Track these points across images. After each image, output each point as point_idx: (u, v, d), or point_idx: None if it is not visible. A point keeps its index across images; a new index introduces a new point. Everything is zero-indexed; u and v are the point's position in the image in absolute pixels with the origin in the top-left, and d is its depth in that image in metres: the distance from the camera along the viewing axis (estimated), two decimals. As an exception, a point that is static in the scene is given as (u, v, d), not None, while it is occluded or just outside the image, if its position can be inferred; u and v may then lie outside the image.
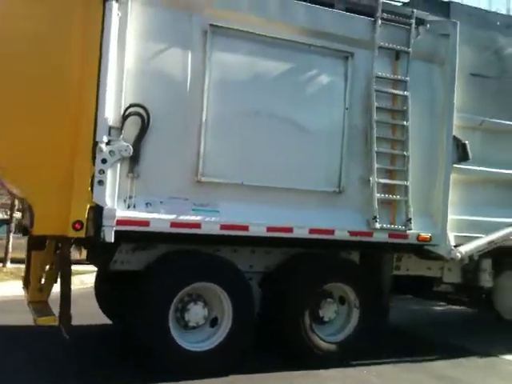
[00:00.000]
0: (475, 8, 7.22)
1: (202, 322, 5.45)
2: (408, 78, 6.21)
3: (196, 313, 5.41)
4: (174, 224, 5.19)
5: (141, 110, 5.08)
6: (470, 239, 6.62)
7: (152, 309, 5.14)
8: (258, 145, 5.61)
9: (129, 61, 5.05)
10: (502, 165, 6.94)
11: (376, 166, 5.99)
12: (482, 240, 6.67)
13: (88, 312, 6.70)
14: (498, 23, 7.17)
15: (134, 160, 5.08)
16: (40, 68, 4.84)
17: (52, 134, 4.87)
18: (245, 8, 5.57)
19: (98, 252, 5.58)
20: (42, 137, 4.85)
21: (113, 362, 5.64)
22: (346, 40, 5.97)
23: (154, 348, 5.11)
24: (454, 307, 9.21)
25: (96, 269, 7.07)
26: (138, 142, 5.09)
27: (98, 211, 4.90)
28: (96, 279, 7.15)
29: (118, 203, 5.00)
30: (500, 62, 7.03)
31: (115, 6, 4.95)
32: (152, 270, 5.36)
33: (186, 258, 5.49)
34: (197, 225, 5.29)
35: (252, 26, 5.55)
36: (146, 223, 5.09)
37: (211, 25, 5.36)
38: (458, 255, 6.46)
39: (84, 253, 6.51)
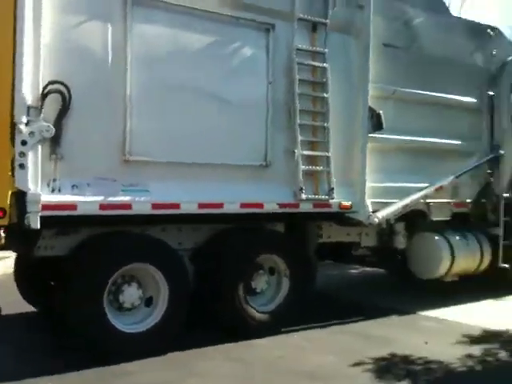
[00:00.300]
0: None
1: (137, 303, 5.38)
2: (326, 50, 6.35)
3: (131, 294, 5.32)
4: (103, 206, 5.01)
5: (61, 88, 4.79)
6: (385, 205, 7.01)
7: (86, 293, 4.98)
8: (185, 120, 5.51)
9: (46, 35, 4.73)
10: (413, 133, 7.35)
11: (300, 138, 6.12)
12: (397, 204, 7.09)
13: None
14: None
15: (56, 141, 4.80)
16: None
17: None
18: (165, -22, 5.37)
19: (20, 238, 5.27)
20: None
21: (47, 350, 5.42)
22: (267, 11, 5.97)
23: (91, 333, 4.98)
24: (369, 269, 9.80)
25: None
26: (59, 122, 4.81)
27: (21, 197, 4.62)
28: (16, 266, 6.75)
29: (42, 187, 4.73)
30: (409, 32, 7.36)
31: (27, -26, 4.58)
32: (82, 254, 5.17)
33: (116, 239, 5.35)
34: (127, 205, 5.15)
35: (173, -4, 5.38)
36: (73, 207, 4.86)
37: (131, -6, 5.13)
38: (376, 220, 6.84)
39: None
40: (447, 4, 8.30)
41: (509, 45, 8.92)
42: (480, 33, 8.32)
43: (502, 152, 8.41)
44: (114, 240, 5.33)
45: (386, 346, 5.67)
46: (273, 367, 5.07)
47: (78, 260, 5.15)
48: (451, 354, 5.48)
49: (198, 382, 4.69)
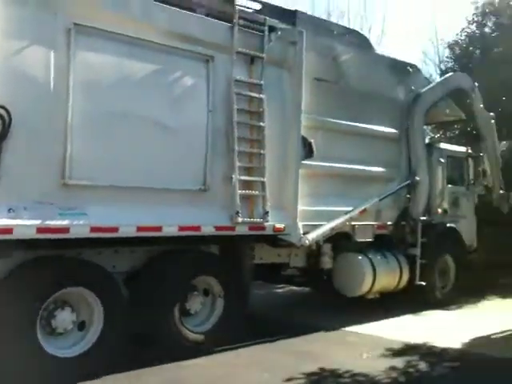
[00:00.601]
0: (317, 17, 7.99)
1: (70, 327, 5.38)
2: (262, 82, 6.70)
3: (63, 319, 5.31)
4: (40, 230, 5.01)
5: (1, 111, 4.79)
6: (315, 227, 7.44)
7: (20, 319, 4.93)
8: (126, 146, 5.64)
9: (-12, 59, 4.72)
10: (340, 160, 7.90)
11: (237, 164, 6.41)
12: (326, 227, 7.56)
13: None
14: (335, 32, 8.02)
15: (-7, 164, 4.79)
16: None
17: None
18: (109, 7, 5.52)
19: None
20: None
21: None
22: (206, 44, 6.25)
23: (23, 359, 4.93)
24: (295, 288, 10.19)
25: None
26: (-3, 145, 4.80)
27: (-43, 221, 4.56)
28: None
29: (-22, 210, 4.69)
30: (338, 68, 7.91)
31: (-30, -1, 4.58)
32: (12, 280, 5.10)
33: (49, 264, 5.35)
34: (65, 229, 5.17)
35: (117, 26, 5.52)
36: (9, 230, 4.83)
37: (75, 23, 5.22)
38: (307, 242, 7.25)
39: None
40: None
41: (424, 80, 9.77)
42: (400, 69, 9.06)
43: (417, 178, 9.13)
44: (43, 266, 5.29)
45: (315, 361, 5.99)
46: (208, 386, 5.26)
47: (7, 286, 5.07)
48: (376, 366, 5.89)
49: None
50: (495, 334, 7.54)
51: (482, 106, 10.29)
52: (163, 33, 5.90)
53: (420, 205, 9.25)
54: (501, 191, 10.62)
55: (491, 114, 10.41)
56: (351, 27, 12.21)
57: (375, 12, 26.57)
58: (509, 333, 7.61)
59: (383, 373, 5.74)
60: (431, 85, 9.75)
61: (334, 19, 19.03)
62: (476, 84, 10.19)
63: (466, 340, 7.10)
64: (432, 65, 22.31)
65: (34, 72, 5.05)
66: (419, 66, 10.10)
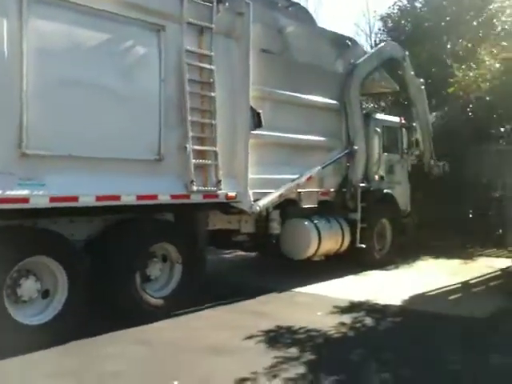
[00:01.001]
0: (263, -11, 8.14)
1: (35, 296, 5.44)
2: (212, 53, 6.85)
3: (29, 287, 5.36)
4: (0, 200, 5.00)
5: (-44, 81, 4.70)
6: (264, 194, 7.75)
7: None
8: (81, 115, 5.65)
9: None
10: (286, 130, 8.21)
11: (191, 134, 6.56)
12: (274, 194, 7.90)
13: None
14: (280, 4, 8.25)
15: (-51, 135, 4.71)
16: None
17: None
18: (60, -25, 5.45)
19: None
20: None
21: None
22: (157, 13, 6.30)
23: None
24: (243, 253, 10.53)
25: None
26: (-46, 116, 4.72)
27: None
28: None
29: None
30: (282, 40, 8.16)
31: None
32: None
33: (12, 234, 5.33)
34: (24, 199, 5.18)
35: (68, -7, 5.48)
36: (-31, 201, 4.81)
37: (27, -10, 5.14)
38: (258, 208, 7.56)
39: None
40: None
41: (363, 53, 10.22)
42: (340, 42, 9.47)
43: (355, 147, 9.63)
44: (10, 235, 5.29)
45: (271, 320, 6.35)
46: (177, 347, 5.47)
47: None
48: (326, 323, 6.33)
49: (113, 364, 4.92)
50: (430, 291, 8.20)
51: (412, 73, 10.87)
52: (115, 2, 5.89)
53: (358, 172, 9.78)
54: (432, 160, 11.37)
55: (421, 80, 11.04)
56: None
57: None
58: (441, 290, 8.29)
59: (333, 328, 6.18)
60: (365, 56, 10.11)
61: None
62: (407, 53, 10.76)
63: (405, 297, 7.69)
64: (364, 36, 23.17)
65: (-15, 40, 4.95)
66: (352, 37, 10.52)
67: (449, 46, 16.50)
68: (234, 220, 8.09)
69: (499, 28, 16.09)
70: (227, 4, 7.08)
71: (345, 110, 9.64)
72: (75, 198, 5.55)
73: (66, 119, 5.53)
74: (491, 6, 16.25)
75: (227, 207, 7.39)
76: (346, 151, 9.57)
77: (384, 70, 10.77)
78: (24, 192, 5.17)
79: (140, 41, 6.19)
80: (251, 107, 7.39)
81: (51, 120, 5.40)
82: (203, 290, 7.04)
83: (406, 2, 18.85)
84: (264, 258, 10.25)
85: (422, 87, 11.04)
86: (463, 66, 10.49)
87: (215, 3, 6.87)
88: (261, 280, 8.65)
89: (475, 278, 9.20)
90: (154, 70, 6.28)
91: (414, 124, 11.25)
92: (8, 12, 5.07)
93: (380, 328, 6.42)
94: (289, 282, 8.37)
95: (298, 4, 8.73)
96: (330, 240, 9.04)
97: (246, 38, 7.27)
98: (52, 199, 5.36)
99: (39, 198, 5.27)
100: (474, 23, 16.18)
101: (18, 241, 5.32)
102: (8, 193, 5.06)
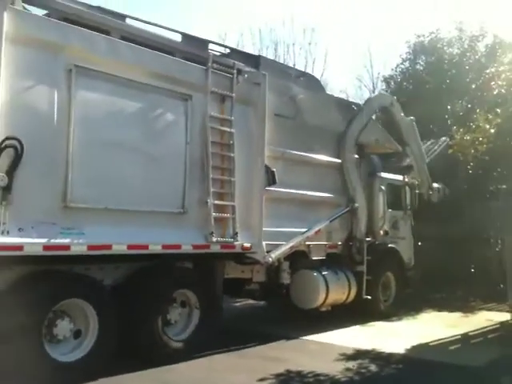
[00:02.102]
0: (277, 61, 9.06)
1: (68, 335, 5.97)
2: (232, 118, 7.63)
3: (63, 327, 5.91)
4: (45, 247, 5.64)
5: (15, 143, 5.42)
6: (276, 246, 8.35)
7: (27, 327, 5.50)
8: (117, 173, 6.36)
9: (3, 96, 5.38)
10: (296, 187, 8.89)
11: (212, 189, 7.25)
12: (286, 246, 8.50)
13: None
14: (292, 75, 9.12)
15: (7, 188, 5.39)
16: None
17: None
18: (103, 52, 6.29)
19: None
20: None
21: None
22: (185, 84, 7.11)
23: (29, 363, 5.47)
24: (252, 302, 11.03)
25: None
26: (11, 172, 5.41)
27: (-25, 239, 5.13)
28: None
29: (-7, 230, 5.27)
30: (294, 105, 8.97)
31: (-11, 44, 5.25)
32: (19, 291, 5.66)
33: (52, 278, 5.95)
34: (66, 247, 5.82)
35: (110, 68, 6.30)
36: (20, 248, 5.45)
37: (75, 65, 5.95)
38: (270, 259, 8.16)
39: None
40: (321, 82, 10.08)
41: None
42: (345, 107, 10.30)
43: (356, 205, 10.22)
44: (51, 278, 5.91)
45: (281, 365, 6.81)
46: (195, 386, 5.98)
47: (16, 297, 5.63)
48: (333, 368, 6.79)
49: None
50: (432, 341, 8.63)
51: (402, 114, 11.48)
52: (149, 74, 6.71)
53: (361, 228, 10.36)
54: (430, 190, 11.82)
55: (411, 118, 11.68)
56: (296, 59, 13.50)
57: (318, 45, 29.06)
58: (442, 341, 8.72)
59: (340, 373, 6.64)
60: (356, 115, 10.49)
61: (280, 51, 20.67)
62: (394, 98, 11.40)
63: (408, 346, 8.14)
64: (367, 91, 24.33)
65: (41, 108, 5.73)
66: (354, 91, 11.35)
67: (449, 107, 17.46)
68: (247, 270, 8.66)
69: (496, 91, 17.07)
70: (246, 75, 7.94)
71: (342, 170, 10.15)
72: (109, 247, 6.18)
73: (103, 176, 6.22)
74: (488, 70, 17.27)
75: (242, 257, 7.98)
76: (348, 209, 10.12)
77: (389, 135, 11.40)
78: (66, 240, 5.82)
79: (170, 108, 6.97)
80: (266, 166, 8.10)
81: (91, 177, 6.10)
82: (217, 335, 7.51)
83: (407, 65, 20.05)
84: (273, 307, 10.72)
85: (413, 124, 11.58)
86: (461, 130, 11.24)
87: (235, 75, 7.71)
88: (270, 328, 9.13)
89: (474, 331, 9.62)
90: (181, 134, 7.04)
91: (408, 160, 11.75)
92: (59, 84, 5.88)
93: (384, 374, 6.89)
94: (297, 330, 8.83)
95: (308, 74, 9.61)
96: (338, 291, 9.54)
97: (262, 104, 8.07)
98: (90, 247, 6.00)
99: (79, 246, 5.91)
100: (473, 86, 17.18)
101: (57, 284, 5.93)
102: (52, 241, 5.71)
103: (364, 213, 10.41)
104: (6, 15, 5.42)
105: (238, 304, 11.41)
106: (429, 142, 14.50)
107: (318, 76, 17.68)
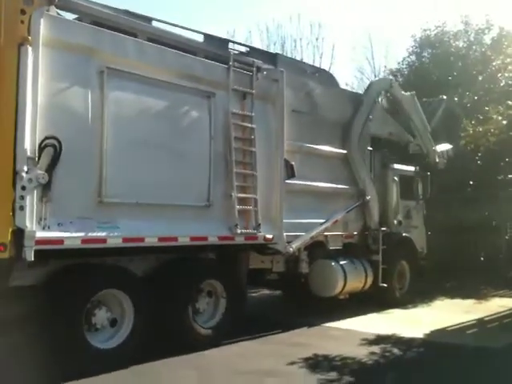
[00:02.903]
0: (293, 59, 9.32)
1: (105, 323, 6.29)
2: (253, 114, 7.90)
3: (101, 316, 6.23)
4: (83, 241, 5.96)
5: (54, 142, 5.72)
6: (295, 237, 8.64)
7: (68, 316, 5.83)
8: (147, 169, 6.65)
9: (41, 98, 5.67)
10: (314, 179, 9.17)
11: (235, 183, 7.54)
12: (306, 236, 8.78)
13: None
14: (308, 71, 9.38)
15: (47, 186, 5.69)
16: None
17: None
18: (132, 54, 6.59)
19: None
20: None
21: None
22: (209, 82, 7.40)
23: (71, 350, 5.82)
24: (267, 292, 11.35)
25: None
26: (50, 170, 5.71)
27: (19, 234, 5.44)
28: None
29: (36, 225, 5.57)
30: (311, 101, 9.23)
31: (29, 49, 5.54)
32: (59, 283, 5.99)
33: (90, 270, 6.26)
34: (103, 240, 6.13)
35: (138, 69, 6.59)
36: (60, 241, 5.77)
37: (107, 67, 6.24)
38: (291, 249, 8.45)
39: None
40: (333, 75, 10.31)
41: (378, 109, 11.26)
42: (359, 101, 10.52)
43: (368, 198, 10.42)
44: (89, 270, 6.23)
45: (308, 350, 7.11)
46: (229, 371, 6.27)
47: (54, 289, 5.95)
48: (358, 352, 7.08)
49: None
50: (448, 326, 8.92)
51: (402, 92, 11.65)
52: (175, 73, 7.00)
53: (374, 218, 10.61)
54: (436, 157, 11.83)
55: (412, 92, 11.81)
56: (304, 54, 13.67)
57: (325, 40, 29.41)
58: (459, 326, 9.01)
59: (366, 357, 6.95)
60: (360, 106, 10.45)
61: (287, 46, 20.96)
62: (391, 77, 11.45)
63: (427, 331, 8.42)
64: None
65: (76, 108, 6.04)
66: (356, 83, 11.54)
67: (456, 99, 17.67)
68: (267, 260, 8.94)
69: (503, 83, 17.29)
70: (265, 73, 8.21)
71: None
72: (142, 239, 6.50)
73: (134, 172, 6.52)
74: (494, 63, 17.48)
75: (264, 248, 8.27)
76: (360, 201, 10.28)
77: (399, 125, 11.64)
78: (103, 234, 6.14)
79: (194, 105, 7.26)
80: (285, 159, 8.38)
81: (123, 173, 6.39)
82: (242, 323, 7.80)
83: (414, 59, 20.24)
84: (290, 296, 11.02)
85: (415, 98, 11.69)
86: (473, 122, 11.48)
87: (255, 72, 7.99)
88: (290, 316, 9.45)
89: (489, 316, 9.91)
90: (205, 130, 7.33)
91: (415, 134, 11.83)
92: (92, 85, 6.18)
93: (408, 357, 7.20)
94: (317, 318, 9.13)
95: (323, 70, 9.87)
96: (355, 279, 9.82)
97: (281, 100, 8.34)
98: (124, 239, 6.32)
99: (115, 239, 6.22)
100: (480, 78, 17.38)
101: (94, 276, 6.25)
102: (90, 234, 6.02)
103: (376, 204, 10.61)
104: (42, 21, 5.71)
105: (254, 294, 11.70)
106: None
107: (325, 70, 18.02)
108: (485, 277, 13.31)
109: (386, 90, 11.71)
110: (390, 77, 11.84)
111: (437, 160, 12.01)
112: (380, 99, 11.50)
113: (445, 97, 13.31)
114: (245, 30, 25.35)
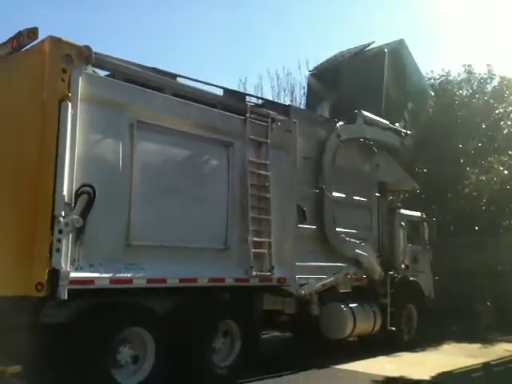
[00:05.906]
0: (305, 110, 9.89)
1: (129, 360, 6.63)
2: (268, 162, 8.41)
3: (125, 353, 6.58)
4: (112, 281, 6.37)
5: (89, 189, 6.21)
6: (307, 279, 9.00)
7: (96, 353, 6.18)
8: (171, 214, 7.12)
9: (78, 150, 6.20)
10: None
11: (251, 227, 7.97)
12: (319, 283, 9.18)
13: None
14: (318, 120, 9.93)
15: (81, 229, 6.15)
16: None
17: (16, 213, 5.78)
18: (159, 108, 7.16)
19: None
20: (7, 217, 5.77)
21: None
22: (227, 133, 7.95)
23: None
24: (277, 334, 11.61)
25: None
26: (85, 215, 6.18)
27: (55, 274, 5.87)
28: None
29: (69, 266, 6.01)
30: (320, 148, 9.75)
31: (69, 105, 6.11)
32: (88, 321, 6.37)
33: (117, 308, 6.65)
34: (129, 280, 6.55)
35: (164, 121, 7.14)
36: (91, 281, 6.20)
37: (137, 120, 6.80)
38: (303, 292, 8.81)
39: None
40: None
41: (386, 157, 11.78)
42: (368, 149, 11.04)
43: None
44: (115, 309, 6.62)
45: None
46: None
47: (82, 327, 6.33)
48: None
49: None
50: (455, 369, 9.13)
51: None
52: (197, 125, 7.56)
53: (377, 271, 10.80)
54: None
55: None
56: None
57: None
58: (465, 369, 9.21)
59: (375, 398, 7.24)
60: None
61: (296, 93, 21.74)
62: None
63: (434, 374, 8.62)
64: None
65: (108, 158, 6.56)
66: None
67: (460, 145, 18.18)
68: (279, 302, 9.27)
69: (506, 130, 17.88)
70: (279, 123, 8.76)
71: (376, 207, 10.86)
72: (165, 280, 6.90)
73: (159, 216, 6.98)
74: (497, 111, 18.10)
75: (277, 290, 8.63)
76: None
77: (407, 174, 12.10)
78: (129, 275, 6.55)
79: (214, 154, 7.79)
80: (298, 205, 8.83)
81: (149, 217, 6.86)
82: (255, 363, 8.06)
83: (419, 107, 20.89)
84: (300, 337, 11.26)
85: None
86: (476, 171, 11.95)
87: (270, 123, 8.54)
88: (301, 357, 9.70)
89: (495, 360, 10.11)
90: (223, 177, 7.83)
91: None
92: (123, 137, 6.72)
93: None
94: (327, 359, 9.35)
95: (333, 120, 10.37)
96: (364, 322, 10.11)
97: (294, 149, 8.87)
98: (149, 281, 6.72)
99: (140, 280, 6.64)
100: (483, 125, 17.96)
101: (122, 314, 6.64)
102: (117, 275, 6.44)
103: (374, 261, 10.69)
104: (80, 79, 6.31)
105: (266, 335, 11.93)
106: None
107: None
108: (491, 321, 13.51)
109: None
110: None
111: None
112: None
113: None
114: (256, 77, 26.00)
